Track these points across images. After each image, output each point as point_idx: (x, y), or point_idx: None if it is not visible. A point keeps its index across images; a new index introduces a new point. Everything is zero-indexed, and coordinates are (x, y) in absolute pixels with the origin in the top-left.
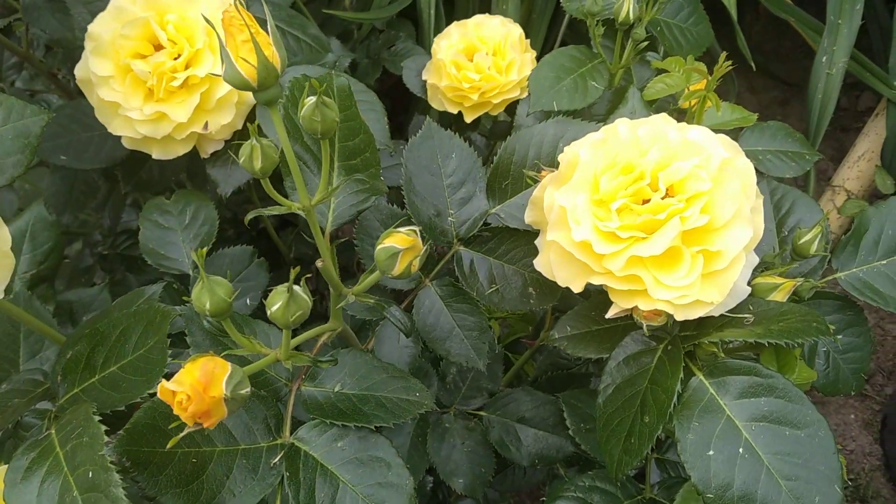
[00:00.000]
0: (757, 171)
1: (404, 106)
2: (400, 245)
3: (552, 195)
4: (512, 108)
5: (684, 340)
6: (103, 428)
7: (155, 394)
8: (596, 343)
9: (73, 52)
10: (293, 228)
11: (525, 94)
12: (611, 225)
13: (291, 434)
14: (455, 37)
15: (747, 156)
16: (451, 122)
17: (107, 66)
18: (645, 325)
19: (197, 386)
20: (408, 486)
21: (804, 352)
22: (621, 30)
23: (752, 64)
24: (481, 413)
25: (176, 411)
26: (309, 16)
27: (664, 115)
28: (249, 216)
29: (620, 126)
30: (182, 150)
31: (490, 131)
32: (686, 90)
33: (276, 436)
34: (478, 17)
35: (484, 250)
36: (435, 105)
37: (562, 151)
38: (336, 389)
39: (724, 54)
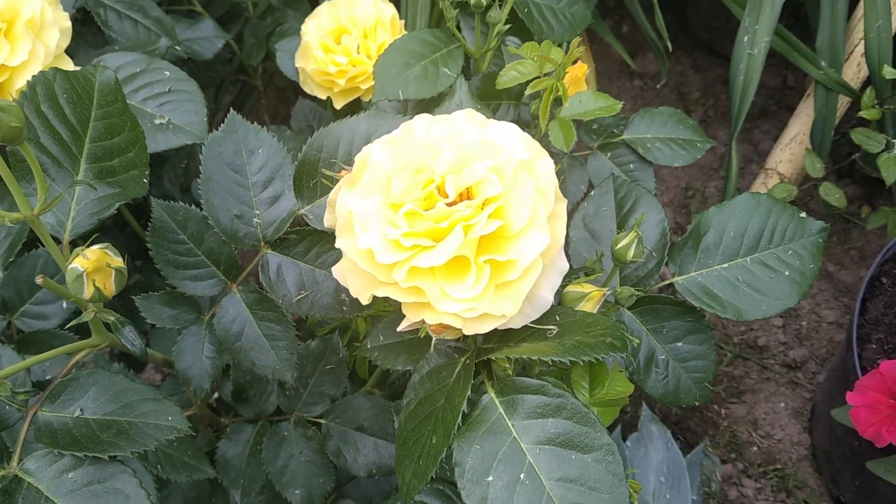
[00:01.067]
0: (643, 159)
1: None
2: (82, 266)
3: (342, 197)
4: None
5: (483, 353)
6: None
7: None
8: (406, 354)
9: None
10: None
11: None
12: (395, 232)
13: (18, 464)
14: (325, 17)
15: (635, 143)
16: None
17: None
18: (434, 338)
19: None
20: None
21: (639, 361)
22: (477, 12)
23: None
24: (321, 420)
25: None
26: None
27: (469, 110)
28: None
29: (418, 123)
30: None
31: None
32: (563, 74)
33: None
34: None
35: (292, 254)
36: (307, 90)
37: None
38: (76, 415)
39: (577, 40)
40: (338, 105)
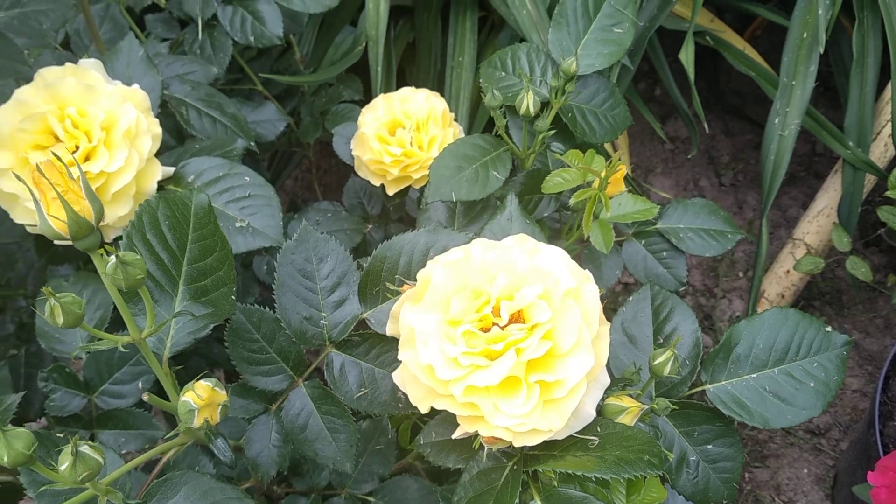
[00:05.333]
0: (676, 248)
1: None
2: (196, 403)
3: (405, 312)
4: None
5: (530, 460)
6: None
7: None
8: (457, 452)
9: None
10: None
11: None
12: (454, 350)
13: None
14: (380, 110)
15: (668, 233)
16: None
17: (7, 158)
18: (486, 448)
19: None
20: None
21: (671, 462)
22: (524, 120)
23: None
24: (370, 498)
25: None
26: (253, 75)
27: (521, 235)
28: (74, 353)
29: (475, 248)
30: None
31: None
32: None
33: None
34: (403, 91)
35: (355, 353)
36: (361, 174)
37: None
38: None
39: (616, 154)
40: (390, 191)
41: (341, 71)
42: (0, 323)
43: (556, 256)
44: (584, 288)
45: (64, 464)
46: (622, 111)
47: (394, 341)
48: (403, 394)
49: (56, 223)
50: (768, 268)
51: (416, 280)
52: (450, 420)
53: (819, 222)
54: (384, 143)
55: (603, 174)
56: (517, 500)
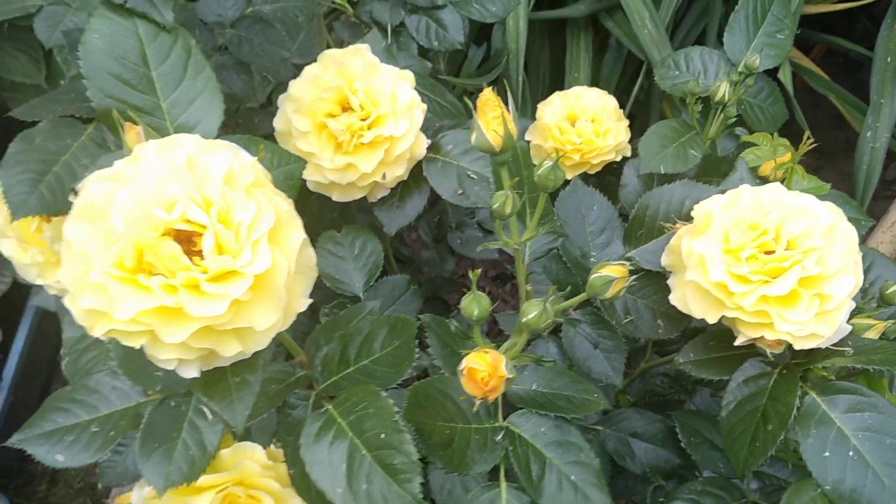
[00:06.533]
0: None
1: None
2: (614, 274)
3: (689, 244)
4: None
5: (797, 367)
6: (391, 401)
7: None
8: (715, 368)
9: (247, 107)
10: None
11: (619, 158)
12: (743, 269)
13: (504, 419)
14: (557, 105)
15: None
16: None
17: (305, 122)
18: (768, 351)
19: (490, 368)
20: (595, 464)
21: (891, 381)
22: (714, 108)
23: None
24: (598, 427)
25: (473, 387)
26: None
27: (778, 183)
28: (480, 248)
29: (745, 191)
30: (359, 195)
31: None
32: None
33: (494, 420)
34: (577, 89)
35: None
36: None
37: (687, 208)
38: (533, 388)
39: (806, 133)
40: (568, 177)
41: (493, 77)
42: None
43: (812, 199)
44: (840, 223)
45: (532, 312)
46: (780, 107)
47: (653, 277)
48: (662, 321)
49: (493, 136)
50: None
51: (676, 222)
52: (703, 343)
53: (893, 232)
54: (565, 132)
55: (797, 150)
56: (797, 393)
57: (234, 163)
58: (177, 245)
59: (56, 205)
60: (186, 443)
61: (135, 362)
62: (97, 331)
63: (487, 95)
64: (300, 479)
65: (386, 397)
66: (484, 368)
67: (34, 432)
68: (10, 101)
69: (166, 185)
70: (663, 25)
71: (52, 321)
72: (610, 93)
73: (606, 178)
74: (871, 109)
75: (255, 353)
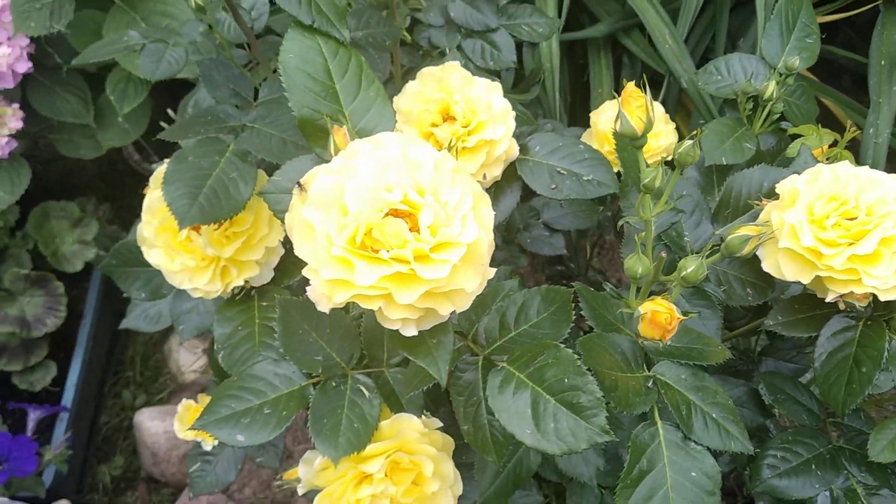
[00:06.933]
0: None
1: None
2: (750, 233)
3: (780, 216)
4: None
5: (880, 317)
6: (570, 351)
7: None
8: (803, 326)
9: None
10: None
11: (669, 157)
12: (831, 235)
13: (650, 370)
14: (611, 113)
15: None
16: None
17: (413, 132)
18: (857, 304)
19: (669, 311)
20: (729, 404)
21: None
22: (762, 106)
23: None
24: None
25: (655, 329)
26: None
27: (847, 161)
28: (620, 222)
29: (824, 169)
30: None
31: None
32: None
33: (640, 370)
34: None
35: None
36: None
37: (766, 189)
38: (668, 343)
39: (850, 122)
40: None
41: (535, 94)
42: None
43: (881, 173)
44: None
45: (690, 266)
46: (812, 104)
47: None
48: (751, 290)
49: (637, 123)
50: None
51: (763, 200)
52: (789, 307)
53: None
54: None
55: (846, 136)
56: (886, 338)
57: (437, 153)
58: (403, 221)
59: (213, 214)
60: (350, 417)
61: (298, 350)
62: (339, 297)
63: (631, 89)
64: (475, 433)
65: (565, 348)
66: (665, 311)
67: (213, 418)
68: (56, 141)
69: (385, 174)
70: (682, 40)
71: (99, 353)
72: None
73: None
74: (871, 109)
75: (445, 323)
